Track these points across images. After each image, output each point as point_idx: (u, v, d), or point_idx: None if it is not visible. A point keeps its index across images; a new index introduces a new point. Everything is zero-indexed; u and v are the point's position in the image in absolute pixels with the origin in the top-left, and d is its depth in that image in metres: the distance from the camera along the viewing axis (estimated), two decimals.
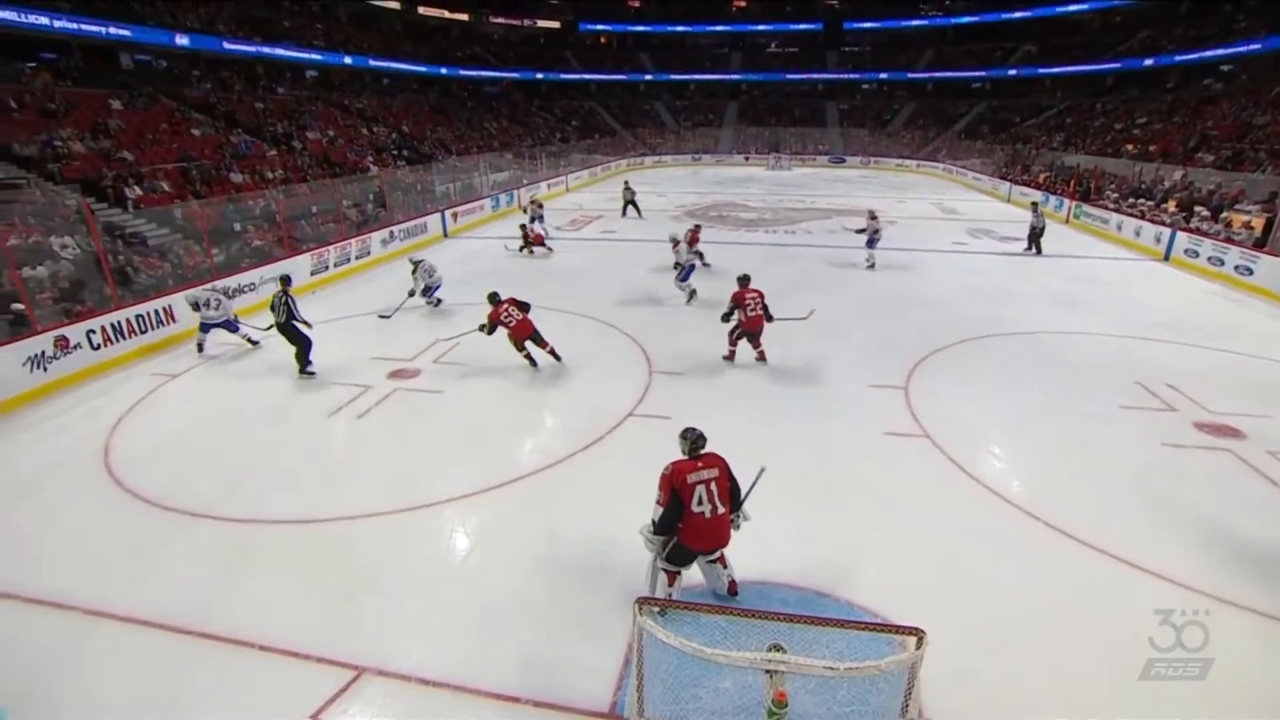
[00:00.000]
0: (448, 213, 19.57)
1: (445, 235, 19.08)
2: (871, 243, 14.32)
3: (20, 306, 9.14)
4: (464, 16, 47.42)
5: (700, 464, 4.16)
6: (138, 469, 6.62)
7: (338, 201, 17.46)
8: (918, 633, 2.89)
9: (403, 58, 38.78)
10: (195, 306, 9.81)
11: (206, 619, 4.59)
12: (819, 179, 35.29)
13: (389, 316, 11.07)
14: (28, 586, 4.95)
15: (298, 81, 32.40)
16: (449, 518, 5.80)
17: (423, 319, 11.26)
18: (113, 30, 21.42)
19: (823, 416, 7.56)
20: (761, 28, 54.64)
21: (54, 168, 14.93)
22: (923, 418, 7.39)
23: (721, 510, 4.14)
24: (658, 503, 4.16)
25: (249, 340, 9.98)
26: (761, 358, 8.92)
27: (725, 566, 4.47)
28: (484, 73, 46.66)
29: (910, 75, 48.98)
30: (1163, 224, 16.45)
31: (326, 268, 14.12)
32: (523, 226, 16.86)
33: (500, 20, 50.50)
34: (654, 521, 4.18)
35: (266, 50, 28.44)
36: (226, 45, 26.27)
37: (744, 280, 8.81)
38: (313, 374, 8.76)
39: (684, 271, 11.82)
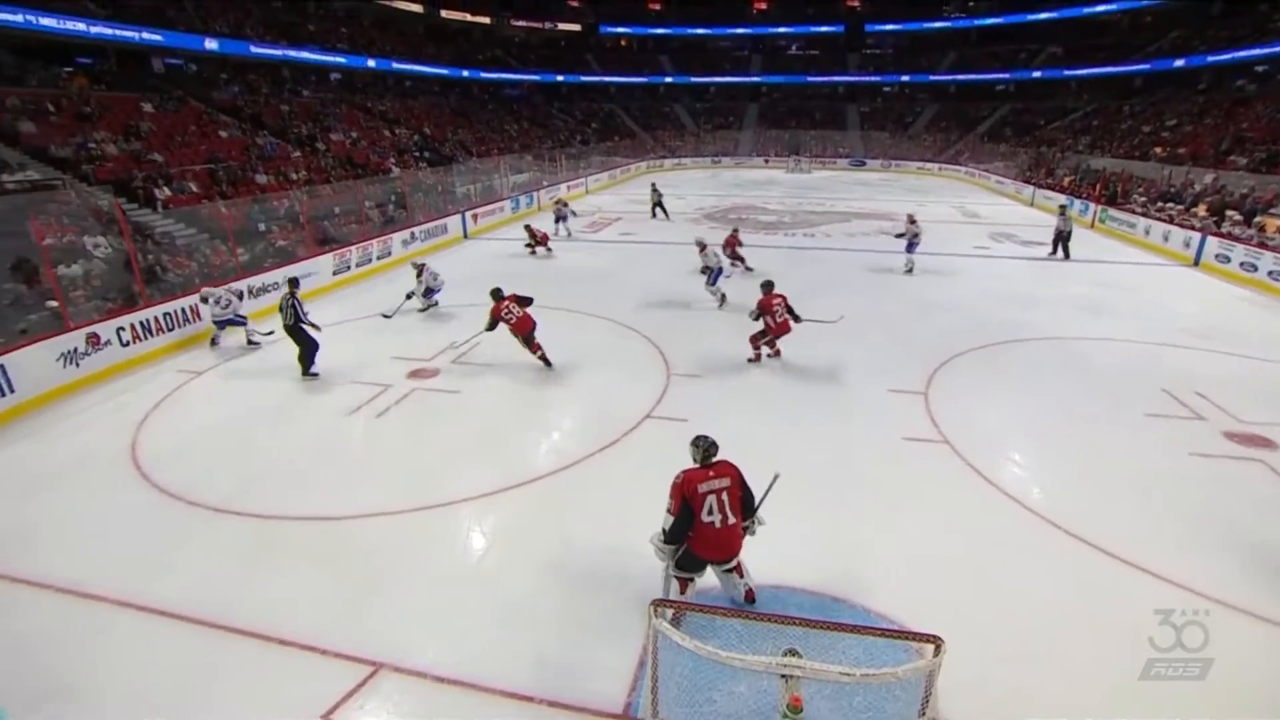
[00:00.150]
0: (468, 214, 19.75)
1: (465, 236, 19.24)
2: (911, 247, 14.20)
3: (55, 304, 9.37)
4: (486, 19, 47.83)
5: (712, 473, 4.12)
6: (163, 464, 6.76)
7: (360, 202, 17.69)
8: (935, 640, 2.86)
9: (425, 60, 39.19)
10: (204, 301, 10.09)
11: (228, 612, 4.67)
12: (839, 182, 35.07)
13: (391, 316, 11.21)
14: (59, 576, 5.08)
15: (322, 84, 32.90)
16: (466, 517, 5.84)
17: (441, 320, 11.36)
18: (145, 35, 21.91)
19: (841, 420, 7.51)
20: (782, 30, 54.44)
21: (88, 169, 15.30)
22: (942, 423, 7.31)
23: (732, 521, 4.10)
24: (668, 511, 4.13)
25: (249, 341, 10.14)
26: (776, 353, 9.13)
27: (741, 575, 4.41)
28: (505, 75, 47.00)
29: (932, 77, 48.51)
30: (1193, 228, 16.12)
31: (348, 268, 14.31)
32: (527, 227, 17.07)
33: (521, 23, 50.85)
34: (664, 530, 4.16)
35: (292, 53, 28.89)
36: (253, 49, 26.74)
37: (768, 286, 8.91)
38: (315, 375, 8.80)
39: (713, 275, 11.74)
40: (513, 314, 8.74)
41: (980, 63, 47.15)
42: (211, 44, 24.61)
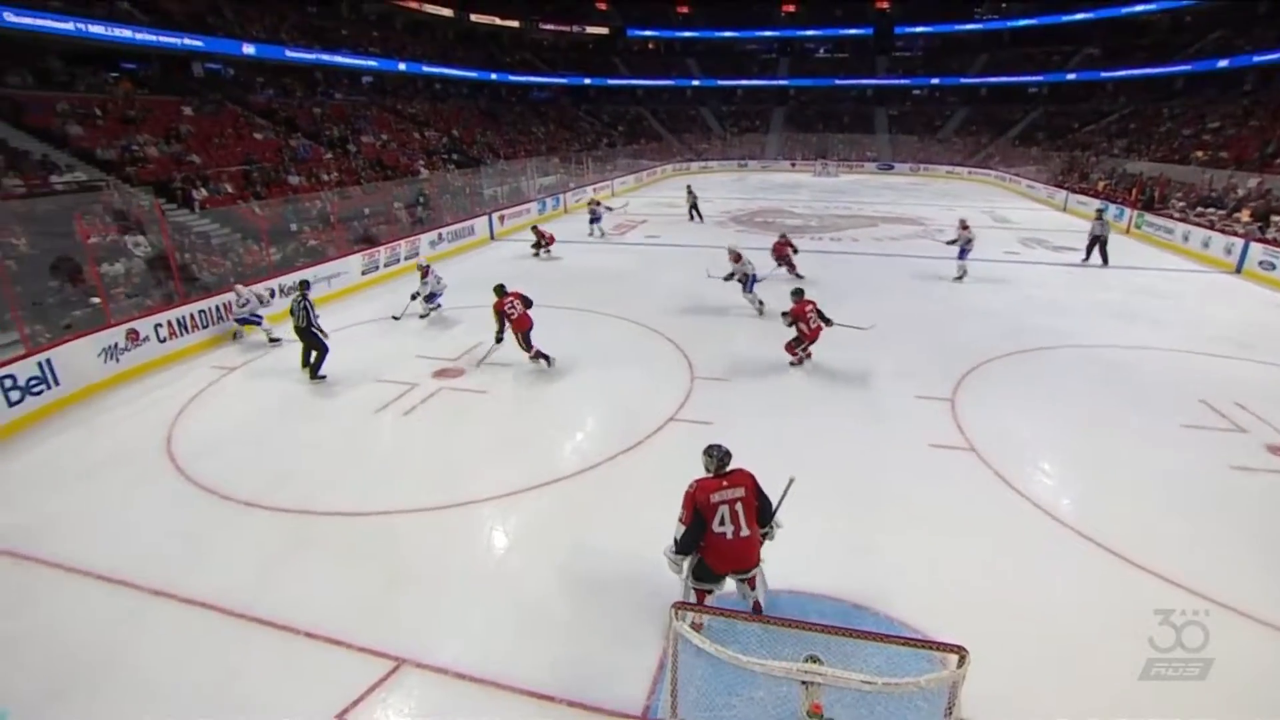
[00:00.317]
0: (495, 215, 19.95)
1: (492, 237, 19.43)
2: (963, 253, 13.88)
3: (98, 300, 9.68)
4: (515, 23, 48.25)
5: (725, 483, 3.99)
6: (197, 458, 6.93)
7: (389, 203, 17.98)
8: (959, 650, 2.81)
9: (454, 63, 39.69)
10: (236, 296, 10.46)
11: (257, 604, 4.78)
12: (866, 186, 34.73)
13: (399, 318, 11.31)
14: (99, 565, 5.24)
15: (354, 87, 33.50)
16: (490, 516, 5.90)
17: (469, 320, 11.45)
18: (187, 41, 22.57)
19: (866, 425, 7.44)
20: (810, 32, 54.08)
21: (131, 170, 15.78)
22: (969, 430, 7.20)
23: (746, 532, 3.95)
24: (680, 521, 4.02)
25: (270, 338, 10.39)
26: (807, 355, 9.15)
27: (753, 588, 4.25)
28: (533, 78, 47.36)
29: (963, 80, 47.74)
30: (1235, 234, 15.63)
31: (377, 267, 14.55)
32: (534, 228, 17.28)
33: (550, 26, 51.20)
34: (676, 540, 4.06)
35: (325, 57, 29.46)
36: (288, 53, 27.33)
37: (799, 293, 8.97)
38: (323, 378, 8.86)
39: (749, 282, 11.49)
40: (515, 309, 8.85)
41: (1013, 65, 46.30)
42: (249, 48, 25.22)
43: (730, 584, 4.41)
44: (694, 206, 22.40)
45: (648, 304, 12.13)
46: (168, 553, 5.41)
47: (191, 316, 10.15)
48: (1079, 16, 43.11)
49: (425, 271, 11.42)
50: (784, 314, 9.07)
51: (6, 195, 12.63)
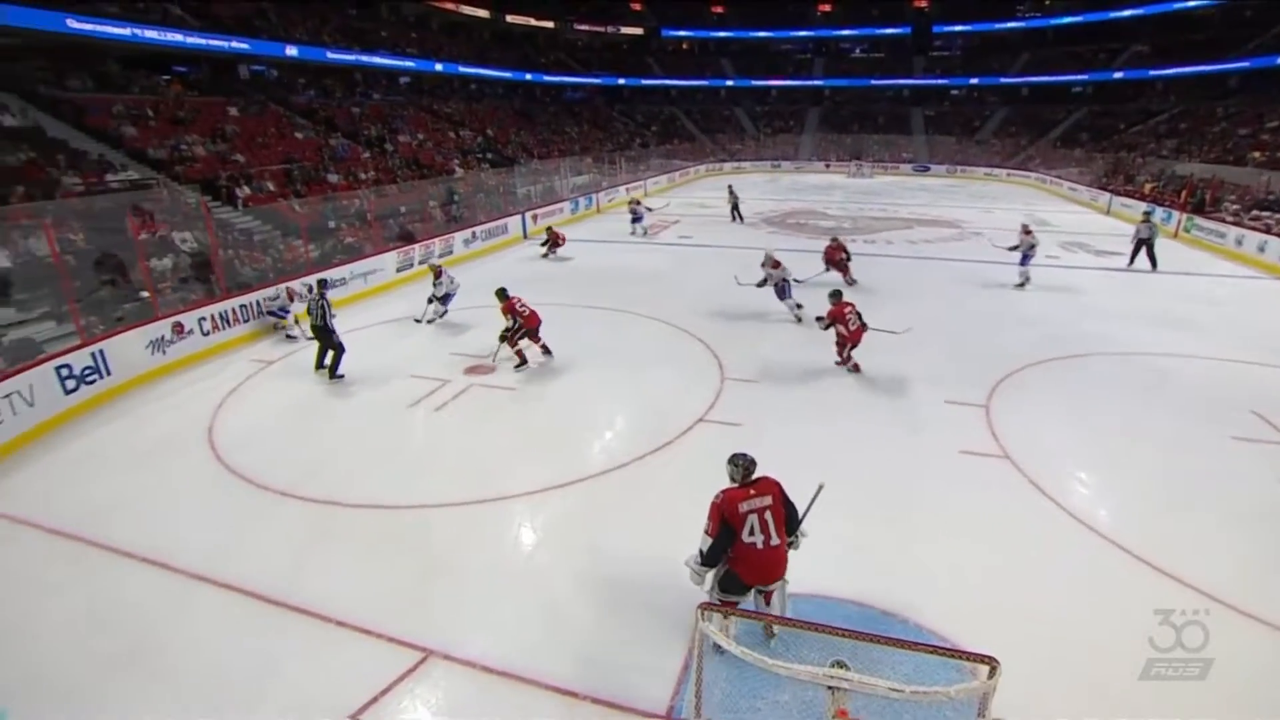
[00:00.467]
0: (528, 214, 20.14)
1: (525, 236, 19.62)
2: (1026, 259, 13.36)
3: (147, 294, 10.04)
4: (550, 24, 48.64)
5: (753, 491, 3.90)
6: (237, 448, 7.15)
7: (424, 202, 18.29)
8: (990, 661, 2.75)
9: (490, 64, 40.14)
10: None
11: (291, 592, 4.90)
12: (902, 187, 34.18)
13: (421, 321, 11.30)
14: (145, 548, 5.45)
15: (392, 87, 34.12)
16: (519, 513, 5.96)
17: (494, 318, 11.53)
18: (234, 44, 23.28)
19: (897, 430, 7.33)
20: (846, 32, 53.39)
21: (179, 169, 16.32)
22: (1003, 437, 7.04)
23: (776, 541, 3.87)
24: (706, 533, 3.92)
25: (287, 335, 10.68)
26: (855, 368, 8.85)
27: (768, 604, 4.16)
28: (567, 78, 47.65)
29: (1003, 79, 46.59)
30: None
31: (411, 264, 14.80)
32: (549, 229, 17.39)
33: (584, 27, 51.48)
34: (702, 552, 3.96)
35: (365, 58, 30.07)
36: (329, 54, 27.96)
37: (837, 295, 8.82)
38: (341, 377, 8.91)
39: (784, 289, 11.08)
40: (526, 307, 9.05)
41: (1056, 64, 45.05)
42: (292, 50, 25.87)
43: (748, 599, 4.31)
44: (735, 207, 22.28)
45: (680, 304, 12.11)
46: (208, 539, 5.59)
47: (233, 310, 10.46)
48: (1127, 13, 41.76)
49: (438, 273, 11.32)
50: (818, 319, 8.95)
51: (66, 193, 13.18)
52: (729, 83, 52.91)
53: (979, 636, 4.04)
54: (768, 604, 4.15)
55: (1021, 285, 13.29)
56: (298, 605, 4.77)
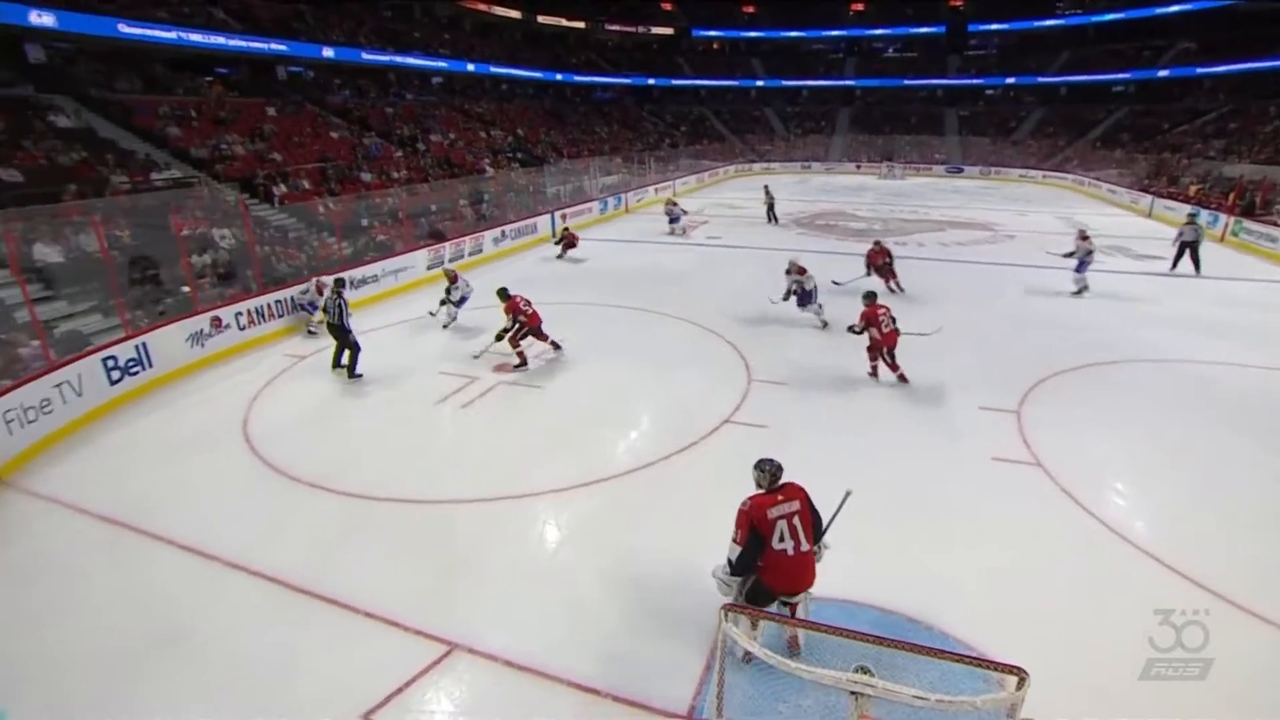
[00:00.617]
0: (557, 214, 20.27)
1: (553, 235, 19.72)
2: (1082, 266, 12.71)
3: (188, 289, 10.35)
4: (580, 24, 48.85)
5: (780, 497, 3.84)
6: (270, 440, 7.33)
7: (455, 201, 18.53)
8: (1019, 672, 2.70)
9: (521, 64, 40.49)
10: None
11: (320, 582, 5.01)
12: (934, 189, 33.63)
13: (448, 325, 11.13)
14: (183, 535, 5.62)
15: (424, 87, 34.61)
16: (544, 510, 6.01)
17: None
18: (273, 46, 23.91)
19: (926, 435, 7.22)
20: (878, 31, 52.70)
21: (219, 168, 16.77)
22: (1035, 445, 6.89)
23: (805, 547, 3.81)
24: (734, 541, 3.84)
25: (309, 331, 10.89)
26: (902, 378, 8.43)
27: (793, 614, 4.03)
28: (597, 78, 47.83)
29: (1041, 79, 45.47)
30: None
31: (442, 262, 14.99)
32: (565, 229, 17.40)
33: (615, 27, 51.57)
34: (730, 561, 3.88)
35: (399, 59, 30.58)
36: (364, 55, 28.51)
37: (871, 297, 8.56)
38: (359, 376, 8.95)
39: (807, 297, 10.71)
40: (529, 308, 9.12)
41: (1097, 62, 43.85)
42: (328, 52, 26.43)
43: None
44: (771, 208, 22.09)
45: (708, 305, 12.07)
46: (242, 528, 5.75)
47: (269, 305, 10.72)
48: (1173, 9, 40.41)
49: (454, 278, 11.12)
50: (850, 328, 8.67)
51: (115, 191, 13.65)
52: (759, 83, 52.57)
53: (1007, 646, 3.96)
54: (791, 615, 4.05)
55: (1078, 293, 12.70)
56: (327, 595, 4.88)
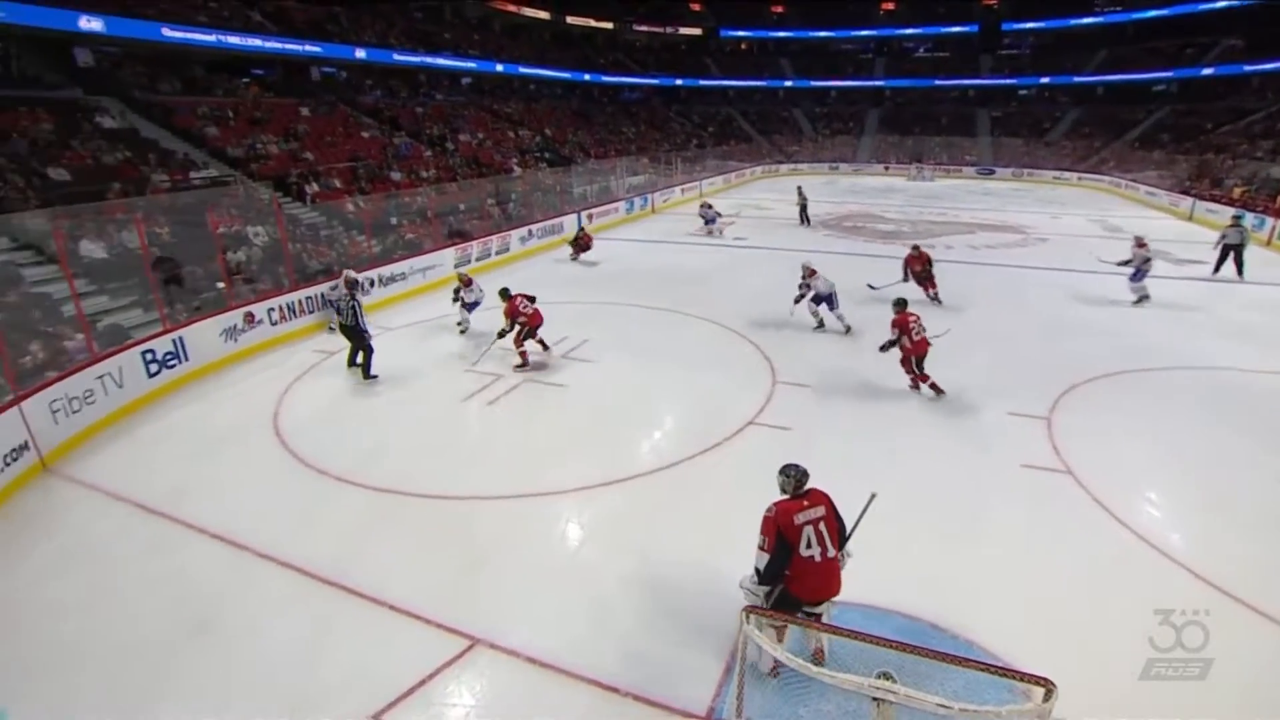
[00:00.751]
0: (584, 214, 20.36)
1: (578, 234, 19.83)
2: (1140, 275, 12.01)
3: (222, 285, 10.61)
4: (609, 24, 48.99)
5: (806, 502, 3.79)
6: (299, 433, 7.48)
7: (483, 200, 18.72)
8: (1046, 684, 2.65)
9: (549, 65, 40.75)
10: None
11: (346, 574, 5.10)
12: (964, 191, 33.08)
13: (463, 331, 10.99)
14: (215, 524, 5.77)
15: (454, 87, 35.01)
16: (567, 508, 6.04)
17: (555, 317, 11.64)
18: (307, 47, 24.45)
19: (953, 441, 7.12)
20: (909, 31, 51.95)
21: (254, 167, 17.16)
22: (1066, 452, 6.74)
23: (832, 553, 3.76)
24: (760, 549, 3.76)
25: (330, 328, 10.93)
26: (935, 389, 8.06)
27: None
28: (625, 79, 47.91)
29: (1077, 79, 44.39)
30: None
31: (469, 261, 15.17)
32: (581, 229, 17.32)
33: (643, 28, 51.61)
34: (758, 570, 3.80)
35: (429, 60, 31.00)
36: (396, 56, 28.95)
37: (902, 304, 8.22)
38: (375, 377, 8.91)
39: (826, 301, 10.50)
40: (528, 308, 9.15)
41: (1136, 61, 42.68)
42: (360, 53, 26.90)
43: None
44: (804, 209, 21.90)
45: (733, 306, 12.01)
46: (272, 519, 5.87)
47: (299, 302, 10.94)
48: (1219, 4, 39.10)
49: (468, 282, 10.86)
50: (883, 346, 8.27)
51: (155, 190, 14.06)
52: (787, 83, 52.18)
53: (1033, 655, 3.90)
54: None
55: (1139, 303, 12.05)
56: (352, 588, 4.97)
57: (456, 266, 14.79)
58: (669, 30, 52.82)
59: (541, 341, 9.44)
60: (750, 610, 3.26)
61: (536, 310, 9.28)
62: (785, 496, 3.88)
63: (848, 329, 10.53)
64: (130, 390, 8.10)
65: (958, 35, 50.43)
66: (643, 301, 12.47)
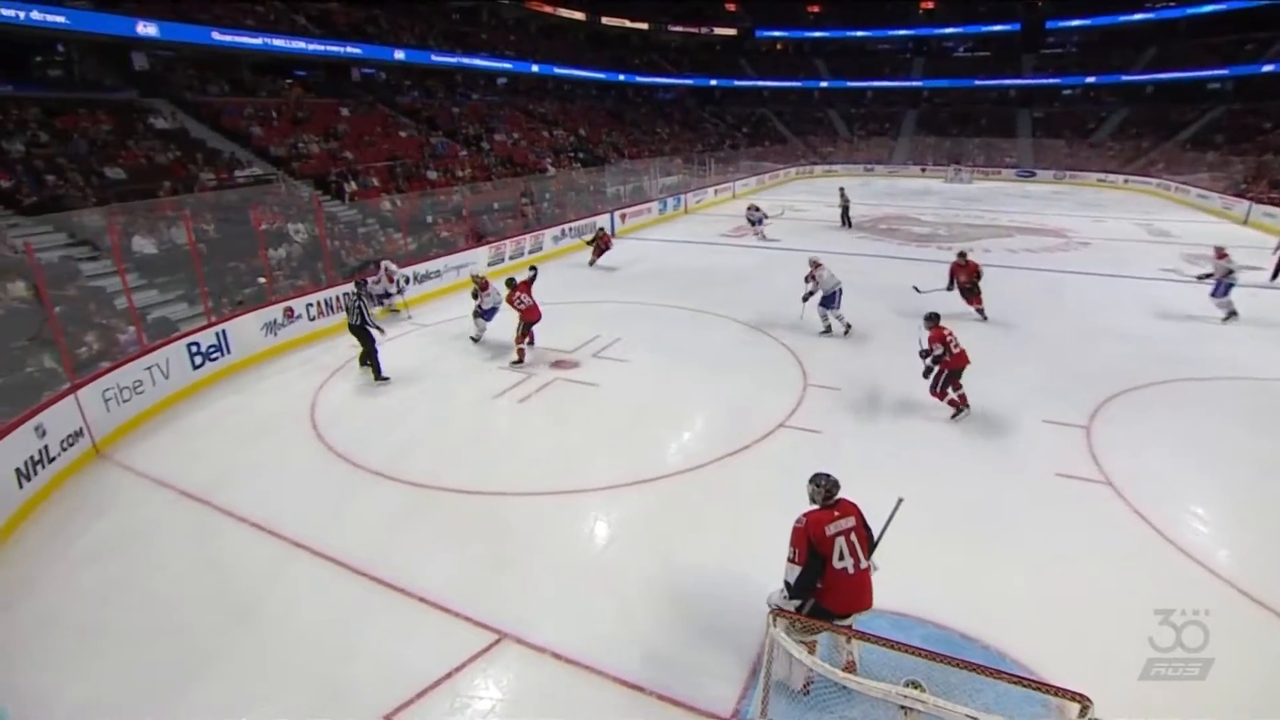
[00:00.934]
0: (617, 213, 20.44)
1: (613, 235, 19.90)
2: (1220, 289, 11.15)
3: (263, 281, 10.92)
4: (644, 25, 49.05)
5: (837, 513, 3.72)
6: (334, 426, 7.67)
7: (517, 199, 18.93)
8: (1082, 700, 2.58)
9: (584, 65, 41.02)
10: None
11: (378, 565, 5.21)
12: (1003, 194, 32.29)
13: (478, 340, 10.70)
14: (253, 513, 5.95)
15: (490, 87, 35.47)
16: (595, 507, 6.08)
17: (585, 316, 11.78)
18: (349, 49, 25.07)
19: (987, 448, 6.98)
20: (949, 30, 50.93)
21: (296, 166, 17.63)
22: (1105, 462, 6.56)
23: (865, 564, 3.69)
24: (791, 561, 3.67)
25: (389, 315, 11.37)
26: (963, 400, 7.62)
27: (847, 641, 3.82)
28: (659, 79, 47.96)
29: (1125, 77, 42.90)
30: None
31: (503, 259, 15.35)
32: (600, 230, 17.15)
33: (678, 28, 51.55)
34: (788, 584, 3.69)
35: (466, 60, 31.47)
36: (433, 57, 29.49)
37: (935, 318, 7.74)
38: (387, 379, 8.87)
39: (836, 300, 10.36)
40: (524, 302, 9.23)
41: (1189, 58, 41.04)
42: (399, 54, 27.44)
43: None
44: (845, 211, 21.60)
45: (765, 307, 11.93)
46: (307, 510, 6.02)
47: (336, 298, 11.18)
48: None
49: (485, 285, 10.39)
50: (925, 374, 7.66)
51: (202, 188, 14.56)
52: (823, 84, 51.62)
53: (1066, 669, 3.80)
54: (847, 642, 3.83)
55: (1227, 319, 11.13)
56: (383, 579, 5.07)
57: (497, 262, 14.96)
58: (704, 31, 52.66)
59: (530, 335, 9.54)
60: (778, 613, 3.24)
61: (534, 305, 9.34)
62: (815, 506, 3.81)
63: (848, 329, 10.49)
64: (176, 381, 8.40)
65: (999, 34, 49.24)
66: (674, 302, 12.47)
